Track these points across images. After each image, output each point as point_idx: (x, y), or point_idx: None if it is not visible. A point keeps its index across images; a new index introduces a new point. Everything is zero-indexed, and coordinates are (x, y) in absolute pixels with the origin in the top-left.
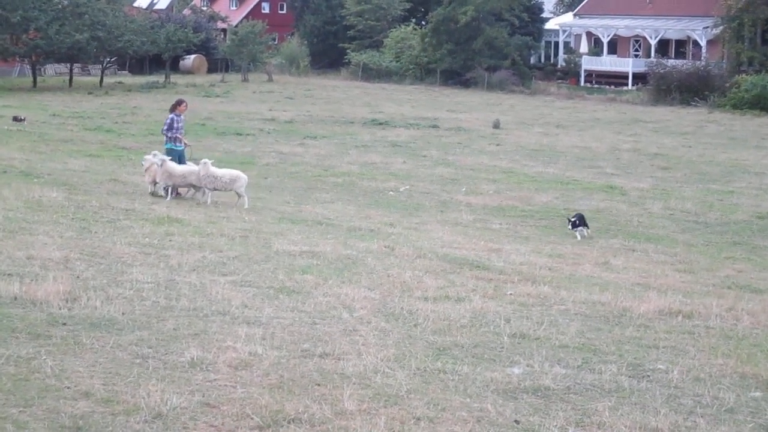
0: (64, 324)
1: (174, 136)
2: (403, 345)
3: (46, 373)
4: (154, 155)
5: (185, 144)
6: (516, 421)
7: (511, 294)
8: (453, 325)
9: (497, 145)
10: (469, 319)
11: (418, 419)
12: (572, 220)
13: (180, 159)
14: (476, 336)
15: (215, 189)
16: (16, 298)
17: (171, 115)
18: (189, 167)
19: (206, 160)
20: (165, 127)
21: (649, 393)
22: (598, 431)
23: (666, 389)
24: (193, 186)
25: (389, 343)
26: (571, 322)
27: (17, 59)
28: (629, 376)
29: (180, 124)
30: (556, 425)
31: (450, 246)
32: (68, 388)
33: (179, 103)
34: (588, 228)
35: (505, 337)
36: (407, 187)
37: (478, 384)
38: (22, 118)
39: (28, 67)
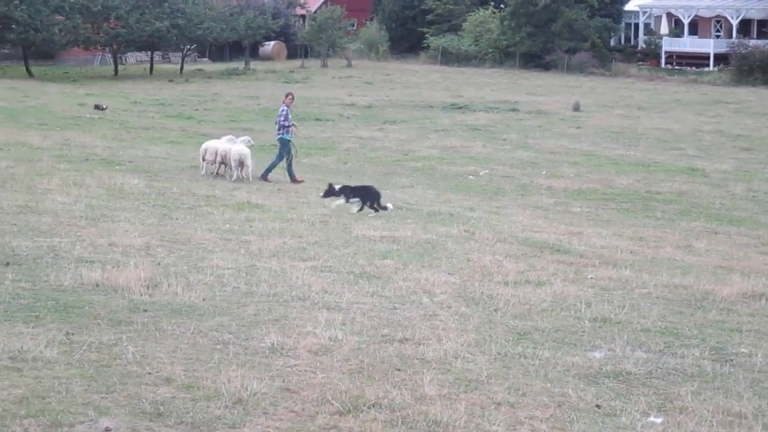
0: (146, 310)
1: (287, 125)
2: (484, 330)
3: (128, 359)
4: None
5: (295, 127)
6: (597, 405)
7: (592, 278)
8: (533, 310)
9: (577, 128)
10: (550, 304)
11: (499, 404)
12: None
13: (290, 148)
14: (557, 320)
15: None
16: (98, 285)
17: (284, 106)
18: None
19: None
20: (281, 118)
21: (732, 377)
22: (681, 416)
23: (749, 373)
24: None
25: (469, 328)
26: (653, 306)
27: (99, 48)
28: (712, 360)
29: (290, 115)
30: (637, 410)
31: (530, 230)
32: (149, 374)
33: (287, 95)
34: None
35: (586, 322)
36: (487, 171)
37: (559, 369)
38: (104, 106)
39: (109, 55)
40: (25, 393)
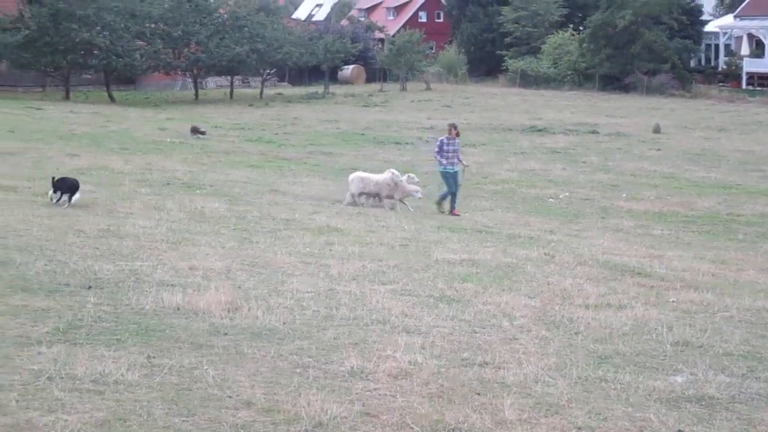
0: (226, 334)
1: (444, 158)
2: (564, 353)
3: (208, 382)
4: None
5: (462, 165)
6: (679, 430)
7: (673, 301)
8: (614, 333)
9: (658, 149)
10: (631, 327)
11: (580, 429)
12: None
13: (453, 179)
14: (638, 344)
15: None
16: (178, 308)
17: (441, 138)
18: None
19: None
20: (436, 150)
21: None
22: None
23: None
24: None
25: (550, 352)
26: (736, 330)
27: (179, 73)
28: None
29: (451, 147)
30: None
31: (611, 253)
32: (230, 397)
33: (450, 126)
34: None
35: (668, 345)
36: (567, 193)
37: (641, 393)
38: (203, 130)
39: (189, 80)
40: (107, 416)
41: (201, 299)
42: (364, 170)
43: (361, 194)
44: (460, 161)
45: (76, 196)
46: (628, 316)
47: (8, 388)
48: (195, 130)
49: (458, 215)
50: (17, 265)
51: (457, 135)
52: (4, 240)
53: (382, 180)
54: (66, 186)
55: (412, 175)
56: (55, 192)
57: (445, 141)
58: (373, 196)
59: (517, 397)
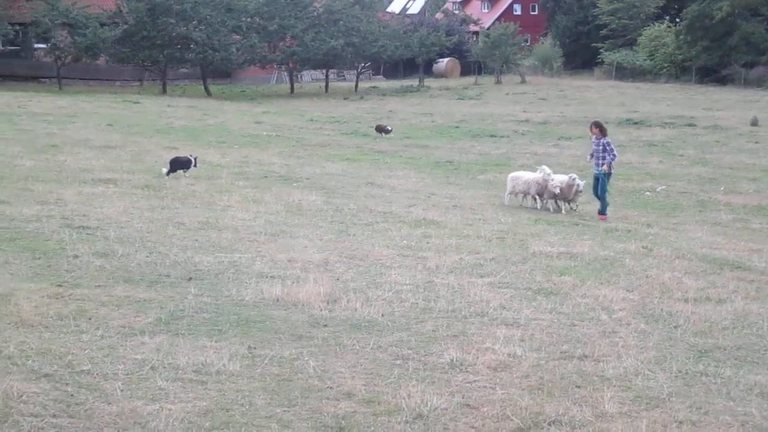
0: (325, 325)
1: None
2: (664, 347)
3: (309, 373)
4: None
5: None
6: None
7: None
8: (714, 327)
9: (756, 142)
10: (731, 321)
11: (681, 423)
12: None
13: (602, 183)
14: (739, 338)
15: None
16: (278, 300)
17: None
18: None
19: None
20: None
21: None
22: None
23: None
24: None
25: (649, 345)
26: None
27: (275, 66)
28: None
29: (595, 147)
30: None
31: (709, 246)
32: (330, 388)
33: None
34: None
35: None
36: (664, 186)
37: (742, 387)
38: (389, 128)
39: (285, 73)
40: (210, 406)
41: (300, 291)
42: (520, 168)
43: (511, 193)
44: (605, 163)
45: (190, 170)
46: (728, 310)
47: (113, 377)
48: (380, 129)
49: (603, 219)
50: (119, 256)
51: (601, 133)
52: (106, 232)
53: (532, 179)
54: (179, 164)
55: (573, 175)
56: (171, 170)
57: (596, 141)
58: (524, 195)
59: (617, 390)
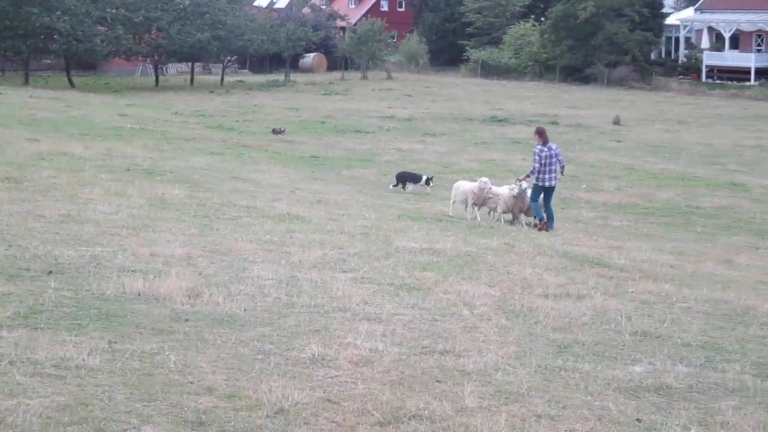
0: (187, 320)
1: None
2: (524, 342)
3: (170, 368)
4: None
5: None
6: (638, 419)
7: (632, 292)
8: (574, 323)
9: (618, 141)
10: (591, 317)
11: (539, 417)
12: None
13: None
14: (597, 334)
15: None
16: (140, 294)
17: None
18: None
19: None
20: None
21: None
22: (722, 431)
23: None
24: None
25: (510, 340)
26: (694, 320)
27: (140, 59)
28: (753, 375)
29: (545, 155)
30: (678, 424)
31: (570, 243)
32: (191, 383)
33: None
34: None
35: (627, 335)
36: (525, 184)
37: (600, 382)
38: (282, 129)
39: (150, 66)
40: (69, 401)
41: (162, 285)
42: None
43: (454, 203)
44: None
45: (412, 186)
46: (587, 306)
47: None
48: (276, 131)
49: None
50: None
51: (541, 138)
52: None
53: (469, 188)
54: (405, 177)
55: (514, 186)
56: (397, 184)
57: (537, 149)
58: (465, 204)
59: (478, 385)
